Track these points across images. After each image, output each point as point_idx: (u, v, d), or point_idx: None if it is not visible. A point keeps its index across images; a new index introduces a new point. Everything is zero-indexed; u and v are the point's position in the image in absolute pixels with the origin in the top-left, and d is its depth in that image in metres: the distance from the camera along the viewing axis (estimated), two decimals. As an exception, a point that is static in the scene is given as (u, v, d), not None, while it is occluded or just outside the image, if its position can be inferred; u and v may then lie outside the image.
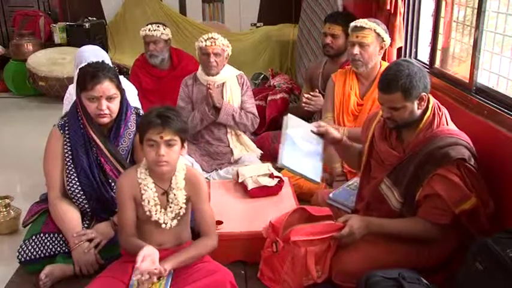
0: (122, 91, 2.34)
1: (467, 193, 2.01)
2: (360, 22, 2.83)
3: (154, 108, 1.97)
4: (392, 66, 2.14)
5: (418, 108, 2.11)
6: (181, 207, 2.04)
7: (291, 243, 2.09)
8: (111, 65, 2.47)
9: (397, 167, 2.17)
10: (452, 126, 2.16)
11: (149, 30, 3.84)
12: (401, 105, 2.08)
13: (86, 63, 2.43)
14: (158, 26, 3.88)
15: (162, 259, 2.05)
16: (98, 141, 2.33)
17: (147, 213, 2.02)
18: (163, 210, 2.03)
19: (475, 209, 2.05)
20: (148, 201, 2.01)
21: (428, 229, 2.08)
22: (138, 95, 3.35)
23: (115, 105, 2.30)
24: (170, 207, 2.03)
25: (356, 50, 2.82)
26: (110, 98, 2.27)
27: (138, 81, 3.96)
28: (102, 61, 2.36)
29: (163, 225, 2.02)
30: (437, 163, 2.04)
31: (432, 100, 2.17)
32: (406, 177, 2.12)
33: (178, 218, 2.05)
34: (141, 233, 2.07)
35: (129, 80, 3.75)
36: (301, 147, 2.25)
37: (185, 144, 2.01)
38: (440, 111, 2.17)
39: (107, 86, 2.24)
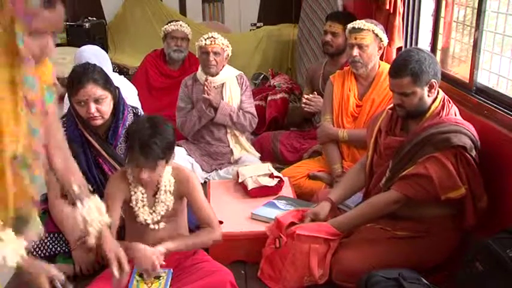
0: (112, 91, 2.31)
1: (458, 183, 2.02)
2: (358, 23, 2.81)
3: None
4: (403, 53, 2.22)
5: (428, 96, 2.13)
6: (168, 207, 2.03)
7: (295, 236, 2.09)
8: (103, 66, 2.43)
9: (398, 150, 2.18)
10: (460, 118, 2.17)
11: (180, 25, 3.93)
12: (411, 91, 2.11)
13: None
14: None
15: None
16: (93, 142, 2.33)
17: (136, 214, 2.01)
18: (151, 210, 2.02)
19: (463, 201, 2.06)
20: (137, 203, 2.01)
21: (392, 200, 2.10)
22: (142, 92, 3.34)
23: (105, 107, 2.28)
24: (157, 207, 2.02)
25: (355, 51, 2.81)
26: (97, 100, 2.24)
27: (145, 77, 3.95)
28: (87, 63, 2.33)
29: (152, 226, 2.02)
30: (436, 146, 2.05)
31: (442, 93, 2.20)
32: (403, 155, 2.14)
33: (165, 218, 2.04)
34: (133, 234, 2.07)
35: (132, 77, 3.74)
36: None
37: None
38: (450, 103, 2.19)
39: (91, 89, 2.21)
